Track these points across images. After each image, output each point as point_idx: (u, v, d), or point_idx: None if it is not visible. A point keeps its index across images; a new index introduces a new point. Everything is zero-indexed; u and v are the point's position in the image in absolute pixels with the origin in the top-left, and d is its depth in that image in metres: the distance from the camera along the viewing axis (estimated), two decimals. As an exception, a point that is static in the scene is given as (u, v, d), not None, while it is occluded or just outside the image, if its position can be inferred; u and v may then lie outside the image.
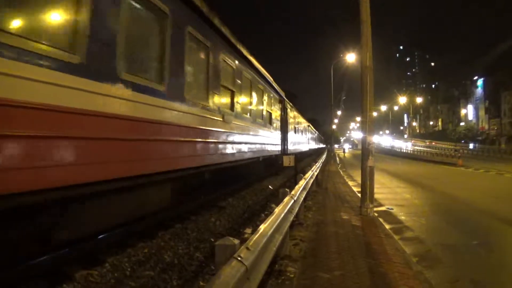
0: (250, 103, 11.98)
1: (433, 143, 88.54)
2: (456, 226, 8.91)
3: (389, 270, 5.04)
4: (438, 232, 8.42)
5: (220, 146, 8.71)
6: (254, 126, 12.15)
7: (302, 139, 29.13)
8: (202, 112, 7.60)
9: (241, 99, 10.77)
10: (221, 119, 8.64)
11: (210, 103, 8.08)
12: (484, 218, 9.85)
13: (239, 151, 10.35)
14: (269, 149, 14.57)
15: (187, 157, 6.90)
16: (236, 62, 10.24)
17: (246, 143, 11.07)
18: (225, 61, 9.24)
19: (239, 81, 10.48)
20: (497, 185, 18.85)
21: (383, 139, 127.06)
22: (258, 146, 12.72)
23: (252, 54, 11.75)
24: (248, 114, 11.58)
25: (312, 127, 47.70)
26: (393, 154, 64.17)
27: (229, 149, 9.41)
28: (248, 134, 11.36)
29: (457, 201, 12.77)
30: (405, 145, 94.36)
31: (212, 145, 8.17)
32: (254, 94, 12.46)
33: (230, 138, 9.42)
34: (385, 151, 72.70)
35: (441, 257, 6.31)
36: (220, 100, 8.76)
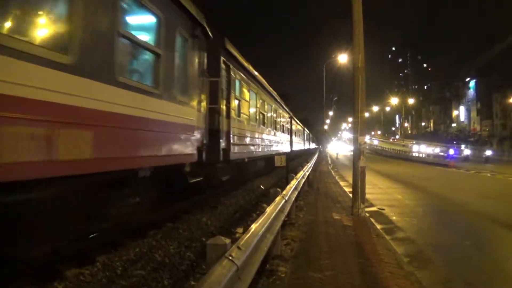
0: (282, 124, 24.31)
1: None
2: (448, 226, 8.98)
3: (380, 270, 5.06)
4: (429, 232, 8.47)
5: (275, 145, 19.81)
6: (283, 136, 24.10)
7: (300, 141, 40.89)
8: (274, 133, 19.98)
9: (280, 123, 23.04)
10: (274, 135, 19.90)
11: (274, 128, 19.97)
12: (476, 218, 9.94)
13: (280, 148, 21.56)
14: (286, 147, 25.30)
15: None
16: (277, 107, 22.09)
17: (281, 144, 22.63)
18: (278, 111, 22.34)
19: (280, 115, 23.09)
20: (489, 186, 19.06)
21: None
22: (283, 146, 23.84)
23: (283, 100, 26.11)
24: (281, 130, 23.57)
25: (307, 130, 54.47)
26: (380, 153, 65.57)
27: (277, 147, 20.52)
28: (281, 141, 22.86)
29: (448, 202, 12.88)
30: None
31: (274, 144, 19.42)
32: (283, 119, 24.79)
33: (277, 142, 20.96)
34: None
35: (432, 258, 6.35)
36: (276, 126, 20.88)
